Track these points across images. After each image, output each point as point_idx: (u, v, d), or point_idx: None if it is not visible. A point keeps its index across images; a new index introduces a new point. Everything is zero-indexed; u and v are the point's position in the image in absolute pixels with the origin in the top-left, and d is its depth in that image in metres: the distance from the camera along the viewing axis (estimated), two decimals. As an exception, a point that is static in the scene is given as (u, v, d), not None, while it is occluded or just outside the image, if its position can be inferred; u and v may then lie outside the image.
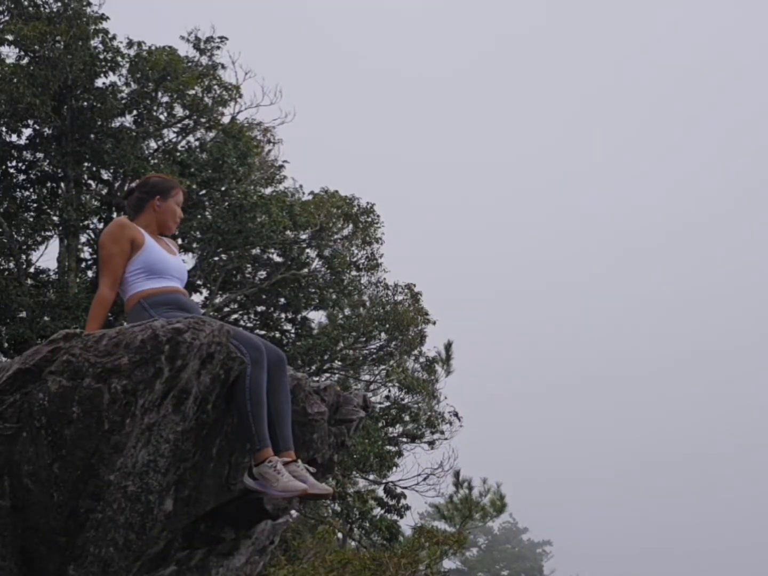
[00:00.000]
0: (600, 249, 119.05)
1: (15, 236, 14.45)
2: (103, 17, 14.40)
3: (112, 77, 14.52)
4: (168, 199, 4.47)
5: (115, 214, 14.83)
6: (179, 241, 14.60)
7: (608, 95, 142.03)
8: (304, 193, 16.91)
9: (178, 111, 15.26)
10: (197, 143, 15.65)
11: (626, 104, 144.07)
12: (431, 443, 15.86)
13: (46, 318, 13.36)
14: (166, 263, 4.30)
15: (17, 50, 13.98)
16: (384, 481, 15.67)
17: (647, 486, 72.19)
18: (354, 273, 16.78)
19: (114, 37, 14.49)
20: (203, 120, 15.40)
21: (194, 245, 15.12)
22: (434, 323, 17.14)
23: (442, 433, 15.83)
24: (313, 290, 16.00)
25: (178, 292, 4.27)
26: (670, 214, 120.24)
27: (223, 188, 14.92)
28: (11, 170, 14.53)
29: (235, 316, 16.31)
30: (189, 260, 15.24)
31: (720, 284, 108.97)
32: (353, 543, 16.01)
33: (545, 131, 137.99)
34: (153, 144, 15.44)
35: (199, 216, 14.65)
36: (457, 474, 22.04)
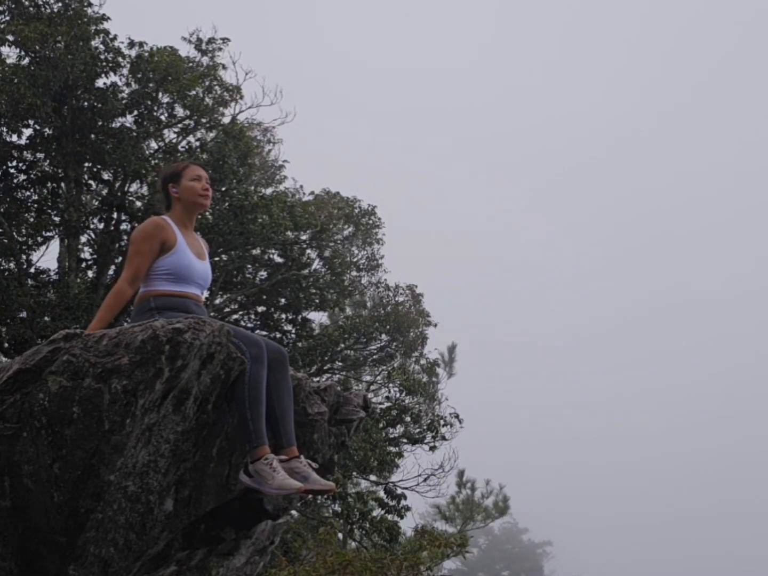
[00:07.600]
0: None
1: (15, 236, 14.44)
2: (104, 17, 14.36)
3: (113, 77, 14.48)
4: (181, 180, 4.48)
5: (115, 215, 14.83)
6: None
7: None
8: (304, 193, 16.91)
9: (179, 111, 15.24)
10: (198, 144, 15.62)
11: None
12: (433, 448, 15.84)
13: (46, 318, 13.35)
14: (191, 270, 4.30)
15: (18, 50, 13.97)
16: (385, 481, 15.66)
17: (649, 487, 72.15)
18: (354, 273, 16.79)
19: (115, 38, 14.45)
20: (204, 120, 15.39)
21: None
22: (435, 325, 17.15)
23: (444, 438, 15.80)
24: (314, 291, 15.98)
25: (189, 298, 4.26)
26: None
27: (223, 188, 14.91)
28: (12, 170, 14.49)
29: (235, 316, 16.30)
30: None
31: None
32: (353, 543, 15.99)
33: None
34: (154, 144, 15.42)
35: (199, 216, 14.62)
36: (461, 474, 21.98)
